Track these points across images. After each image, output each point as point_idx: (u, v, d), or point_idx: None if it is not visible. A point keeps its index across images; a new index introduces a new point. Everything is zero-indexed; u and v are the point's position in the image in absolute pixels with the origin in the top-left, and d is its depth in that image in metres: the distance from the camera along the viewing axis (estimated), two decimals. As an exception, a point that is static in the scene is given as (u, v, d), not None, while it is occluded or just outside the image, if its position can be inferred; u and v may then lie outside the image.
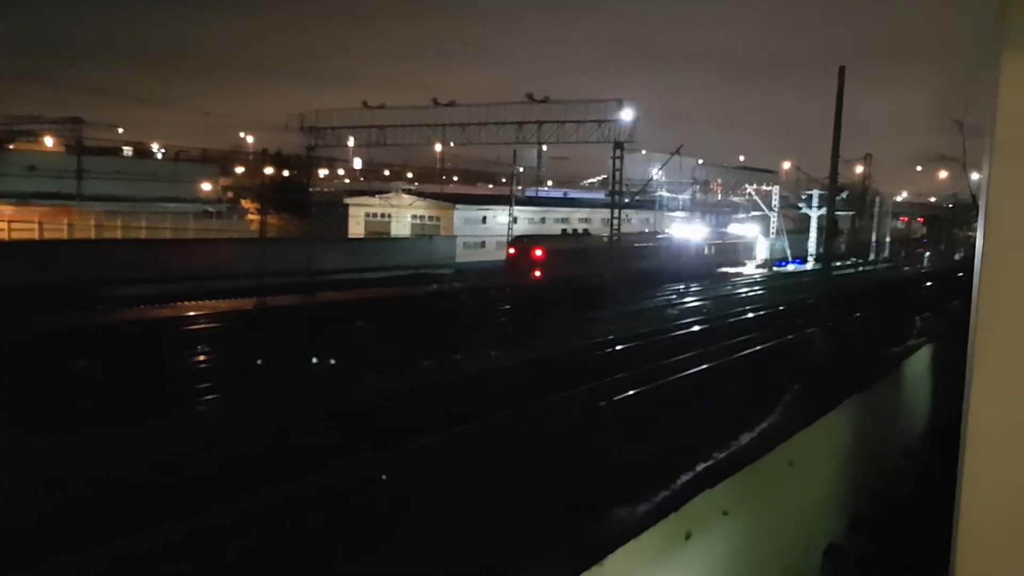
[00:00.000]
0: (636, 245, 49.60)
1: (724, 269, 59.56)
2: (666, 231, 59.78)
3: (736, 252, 63.73)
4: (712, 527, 4.09)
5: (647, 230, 62.50)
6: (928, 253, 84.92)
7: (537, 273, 43.24)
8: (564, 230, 56.81)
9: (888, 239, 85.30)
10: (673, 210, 72.53)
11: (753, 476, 4.58)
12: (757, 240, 66.13)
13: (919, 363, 9.92)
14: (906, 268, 75.02)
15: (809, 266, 66.29)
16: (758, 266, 64.08)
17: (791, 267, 66.58)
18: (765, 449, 4.99)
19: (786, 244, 67.64)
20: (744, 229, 66.70)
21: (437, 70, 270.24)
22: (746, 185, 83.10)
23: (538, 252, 44.50)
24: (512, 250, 45.66)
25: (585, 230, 54.31)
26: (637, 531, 3.48)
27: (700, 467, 9.45)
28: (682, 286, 48.14)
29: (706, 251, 58.66)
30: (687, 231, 58.69)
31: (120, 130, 75.90)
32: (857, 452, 6.94)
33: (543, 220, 65.10)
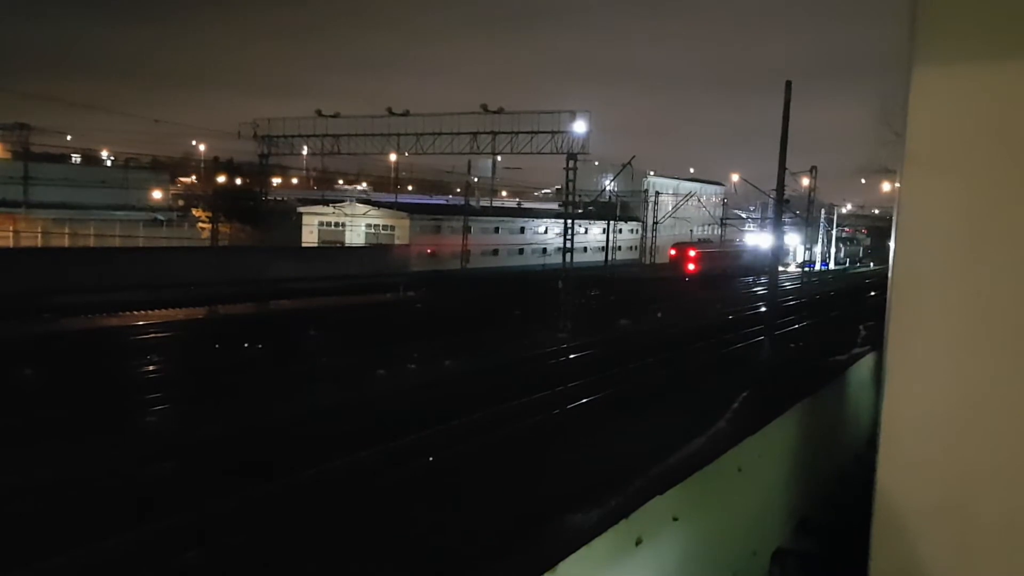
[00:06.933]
0: (730, 251, 73.92)
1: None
2: (742, 240, 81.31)
3: (783, 255, 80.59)
4: (662, 533, 4.12)
5: (735, 240, 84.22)
6: (872, 263, 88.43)
7: (691, 267, 62.96)
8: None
9: (834, 249, 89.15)
10: (627, 220, 74.79)
11: (702, 482, 4.64)
12: (795, 247, 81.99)
13: (864, 369, 10.12)
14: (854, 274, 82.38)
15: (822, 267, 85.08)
16: (798, 265, 79.47)
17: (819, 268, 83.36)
18: (714, 455, 5.09)
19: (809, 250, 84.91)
20: (787, 239, 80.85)
21: (391, 81, 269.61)
22: (696, 196, 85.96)
23: (692, 252, 65.15)
24: (673, 251, 66.24)
25: (707, 238, 79.06)
26: (589, 537, 3.52)
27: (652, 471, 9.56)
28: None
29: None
30: (756, 240, 78.54)
31: (68, 137, 74.27)
32: (804, 457, 7.04)
33: (496, 230, 65.20)
